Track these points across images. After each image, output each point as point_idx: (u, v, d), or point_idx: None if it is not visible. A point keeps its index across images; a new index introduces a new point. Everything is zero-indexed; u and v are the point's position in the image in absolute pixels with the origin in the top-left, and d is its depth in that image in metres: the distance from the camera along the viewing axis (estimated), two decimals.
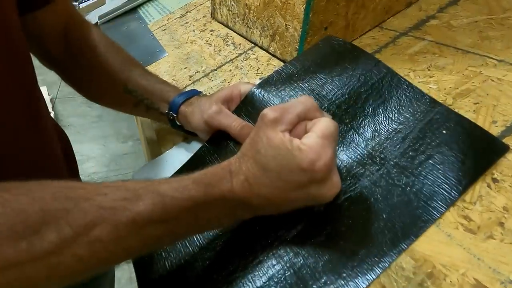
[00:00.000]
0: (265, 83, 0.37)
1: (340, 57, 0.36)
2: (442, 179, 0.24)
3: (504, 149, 0.25)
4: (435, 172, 0.25)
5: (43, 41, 0.38)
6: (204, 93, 0.41)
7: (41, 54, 0.39)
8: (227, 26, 0.67)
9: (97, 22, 1.04)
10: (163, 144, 0.45)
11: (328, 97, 0.33)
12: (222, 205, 0.23)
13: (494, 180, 0.24)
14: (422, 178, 0.25)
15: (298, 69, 0.37)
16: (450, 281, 0.20)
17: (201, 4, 0.88)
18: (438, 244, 0.22)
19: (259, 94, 0.36)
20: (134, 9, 1.10)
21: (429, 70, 0.36)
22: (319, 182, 0.22)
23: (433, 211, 0.23)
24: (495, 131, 0.27)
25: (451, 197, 0.24)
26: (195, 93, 0.39)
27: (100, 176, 1.79)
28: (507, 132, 0.27)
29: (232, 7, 0.61)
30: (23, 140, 0.30)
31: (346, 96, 0.33)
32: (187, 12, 0.87)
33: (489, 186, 0.24)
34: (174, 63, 0.63)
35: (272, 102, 0.35)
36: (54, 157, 0.35)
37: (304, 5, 0.40)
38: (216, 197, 0.22)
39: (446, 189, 0.24)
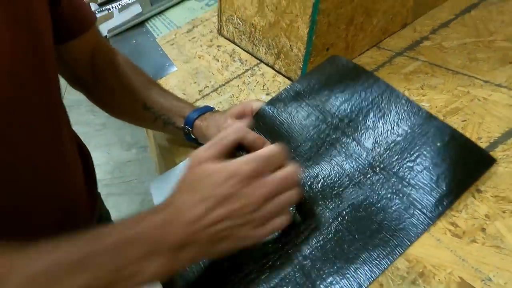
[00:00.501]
0: (275, 100, 0.40)
1: (343, 75, 0.39)
2: (436, 190, 0.28)
3: (491, 161, 0.29)
4: (430, 182, 0.28)
5: (72, 65, 0.42)
6: (216, 108, 0.45)
7: (69, 76, 0.43)
8: (233, 42, 0.71)
9: (106, 35, 1.09)
10: (177, 155, 0.48)
11: (331, 112, 0.37)
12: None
13: (478, 191, 0.27)
14: (418, 187, 0.28)
15: (304, 87, 0.40)
16: (439, 279, 0.24)
17: (207, 20, 0.92)
18: (429, 247, 0.25)
19: (269, 110, 0.39)
20: (142, 23, 1.14)
21: (422, 89, 0.40)
22: None
23: (426, 218, 0.27)
24: (481, 146, 0.30)
25: (443, 205, 0.27)
26: (209, 109, 0.42)
27: (105, 184, 1.82)
28: (490, 148, 0.30)
29: (239, 25, 0.65)
30: (46, 154, 0.33)
31: (348, 110, 0.36)
32: (193, 27, 0.91)
33: (473, 196, 0.27)
34: (183, 78, 0.66)
35: (281, 117, 0.39)
36: (74, 171, 0.39)
37: (308, 28, 0.44)
38: None
39: (439, 198, 0.27)
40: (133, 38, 1.03)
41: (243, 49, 0.66)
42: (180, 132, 0.42)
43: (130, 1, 1.32)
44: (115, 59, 0.45)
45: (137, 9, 1.21)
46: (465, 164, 0.28)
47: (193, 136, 0.42)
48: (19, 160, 0.30)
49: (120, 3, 1.31)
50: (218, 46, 0.73)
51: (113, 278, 0.22)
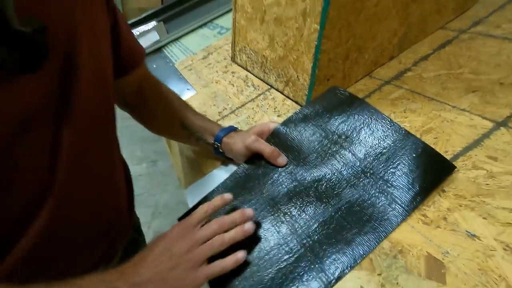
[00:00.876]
0: (287, 122, 0.50)
1: (342, 102, 0.49)
2: (412, 190, 0.37)
3: (453, 169, 0.38)
4: (407, 184, 0.37)
5: (122, 92, 0.51)
6: (239, 128, 0.54)
7: (119, 100, 0.53)
8: (246, 69, 0.82)
9: None
10: (204, 166, 0.57)
11: (331, 130, 0.47)
12: None
13: (443, 191, 0.37)
14: (398, 188, 0.37)
15: (311, 111, 0.50)
16: (412, 254, 0.32)
17: (220, 47, 1.03)
18: (406, 232, 0.34)
19: (283, 130, 0.49)
20: (159, 49, 1.27)
21: (404, 112, 0.50)
22: None
23: (404, 211, 0.36)
24: (446, 157, 0.40)
25: (417, 201, 0.36)
26: (233, 128, 0.52)
27: None
28: (454, 159, 0.40)
29: (251, 55, 0.76)
30: (102, 173, 0.41)
31: (345, 129, 0.46)
32: (208, 54, 1.02)
33: (439, 194, 0.36)
34: (204, 101, 0.77)
35: (292, 135, 0.48)
36: (121, 188, 0.47)
37: (312, 63, 0.54)
38: None
39: (414, 196, 0.36)
40: (153, 63, 1.14)
41: (255, 76, 0.77)
42: (210, 147, 0.52)
43: (147, 29, 1.45)
44: (157, 86, 0.55)
45: (154, 36, 1.34)
46: (433, 170, 0.38)
47: (221, 151, 0.51)
48: (79, 179, 0.36)
49: (138, 30, 1.43)
50: (232, 72, 0.84)
51: None
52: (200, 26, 1.31)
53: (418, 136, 0.44)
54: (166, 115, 0.54)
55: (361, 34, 0.54)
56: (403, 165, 0.39)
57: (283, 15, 0.58)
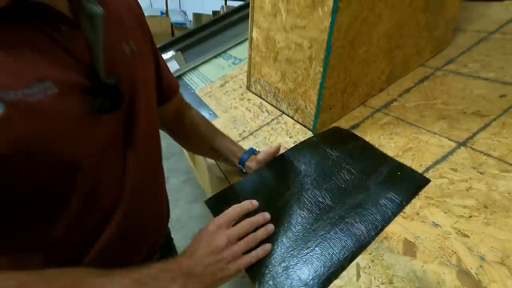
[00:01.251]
0: (295, 148, 0.64)
1: (340, 136, 0.63)
2: (398, 199, 0.50)
3: (427, 182, 0.51)
4: (393, 196, 0.50)
5: (163, 118, 0.62)
6: (255, 147, 0.68)
7: (160, 124, 0.66)
8: (260, 97, 0.96)
9: None
10: (230, 178, 0.71)
11: (331, 157, 0.60)
12: None
13: (418, 194, 0.50)
14: (386, 199, 0.50)
15: (316, 141, 0.64)
16: (393, 239, 0.45)
17: (235, 77, 1.19)
18: (390, 225, 0.47)
19: (290, 154, 0.63)
20: (179, 77, 1.43)
21: (390, 135, 0.63)
22: None
23: (392, 215, 0.48)
24: (420, 170, 0.53)
25: (402, 206, 0.49)
26: (253, 151, 0.64)
27: None
28: (426, 170, 0.53)
29: (265, 86, 0.91)
30: (152, 187, 0.51)
31: (343, 155, 0.60)
32: (225, 82, 1.18)
33: (414, 197, 0.49)
34: (225, 124, 0.91)
35: (298, 157, 0.62)
36: (165, 198, 0.58)
37: (317, 96, 0.68)
38: None
39: (400, 203, 0.49)
40: None
41: (268, 103, 0.92)
42: (235, 167, 0.65)
43: (167, 57, 1.62)
44: (191, 112, 0.68)
45: (174, 65, 1.50)
46: (412, 185, 0.51)
47: (244, 171, 0.64)
48: (139, 191, 0.44)
49: None
50: (248, 99, 0.99)
51: None
52: (215, 56, 1.47)
53: (401, 153, 0.58)
54: (198, 138, 0.66)
55: (356, 73, 0.69)
56: (389, 182, 0.52)
57: (293, 57, 0.73)
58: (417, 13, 0.71)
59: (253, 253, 0.46)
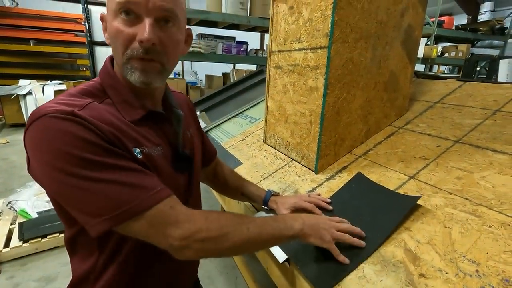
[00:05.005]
0: (335, 195, 0.94)
1: (362, 184, 0.93)
2: (395, 217, 0.77)
3: (415, 200, 0.79)
4: (391, 216, 0.77)
5: (205, 175, 0.92)
6: (273, 191, 0.96)
7: (204, 178, 0.94)
8: (274, 148, 1.29)
9: None
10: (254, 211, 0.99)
11: (345, 197, 0.90)
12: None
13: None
14: (386, 216, 0.77)
15: (353, 188, 0.94)
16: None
17: (253, 132, 1.53)
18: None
19: (335, 198, 0.93)
20: (206, 132, 1.78)
21: (368, 173, 0.93)
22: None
23: (391, 227, 0.75)
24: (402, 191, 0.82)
25: (398, 220, 0.76)
26: (270, 193, 0.91)
27: None
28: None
29: (278, 140, 1.24)
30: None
31: (359, 195, 0.89)
32: (245, 137, 1.52)
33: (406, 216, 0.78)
34: (249, 169, 1.22)
35: (343, 199, 0.91)
36: None
37: (316, 148, 1.00)
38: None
39: (397, 220, 0.76)
40: None
41: (281, 152, 1.23)
42: (260, 205, 0.94)
43: None
44: (224, 169, 0.96)
45: (201, 123, 1.87)
46: (402, 206, 0.79)
47: (267, 208, 0.92)
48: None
49: None
50: (265, 150, 1.31)
51: (282, 228, 0.61)
52: (235, 116, 1.84)
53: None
54: (231, 187, 0.94)
55: (342, 132, 1.02)
56: (388, 206, 0.79)
57: (298, 121, 1.07)
58: (380, 92, 1.07)
59: (347, 236, 0.67)
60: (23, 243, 1.90)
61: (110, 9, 0.54)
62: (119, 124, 0.54)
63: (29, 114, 0.46)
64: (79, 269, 0.61)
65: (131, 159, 0.53)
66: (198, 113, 2.06)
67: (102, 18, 0.59)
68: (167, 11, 0.53)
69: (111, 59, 0.62)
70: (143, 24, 0.52)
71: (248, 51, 4.28)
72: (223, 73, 4.83)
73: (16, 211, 2.20)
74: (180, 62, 4.83)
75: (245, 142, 1.47)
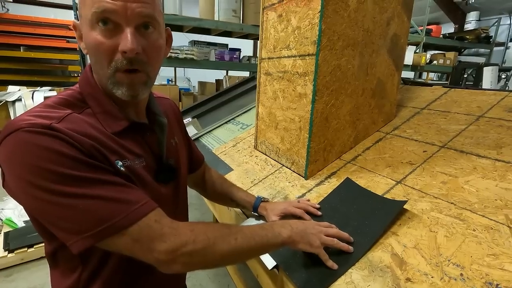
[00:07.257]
0: (323, 201, 0.94)
1: (350, 188, 0.93)
2: (383, 222, 0.77)
3: (401, 205, 0.80)
4: (378, 221, 0.78)
5: (193, 181, 0.92)
6: (264, 195, 0.96)
7: (192, 184, 0.94)
8: (265, 154, 1.29)
9: None
10: (243, 217, 0.99)
11: (343, 208, 0.90)
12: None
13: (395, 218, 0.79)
14: (374, 221, 0.78)
15: (343, 192, 0.94)
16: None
17: (244, 139, 1.53)
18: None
19: (323, 204, 0.93)
20: (197, 139, 1.78)
21: (356, 178, 0.94)
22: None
23: (381, 231, 0.76)
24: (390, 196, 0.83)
25: (386, 225, 0.77)
26: (260, 199, 0.91)
27: None
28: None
29: (269, 146, 1.25)
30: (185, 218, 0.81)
31: (348, 200, 0.90)
32: (236, 143, 1.52)
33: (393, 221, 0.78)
34: (240, 175, 1.22)
35: (323, 208, 0.92)
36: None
37: (306, 153, 1.01)
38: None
39: (384, 225, 0.77)
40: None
41: (271, 158, 1.24)
42: (249, 211, 0.93)
43: (186, 123, 1.98)
44: (212, 174, 0.96)
45: (192, 130, 1.86)
46: (390, 210, 0.80)
47: (257, 214, 0.92)
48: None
49: None
50: (256, 156, 1.31)
51: (270, 237, 0.59)
52: (226, 122, 1.85)
53: None
54: (219, 193, 0.94)
55: (331, 138, 1.03)
56: (375, 211, 0.80)
57: (288, 127, 1.08)
58: (368, 99, 1.09)
59: (336, 240, 0.67)
60: (8, 253, 1.85)
61: (85, 18, 0.51)
62: (100, 136, 0.52)
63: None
64: (61, 284, 0.58)
65: (114, 173, 0.51)
66: (189, 119, 2.05)
67: (75, 27, 0.56)
68: (146, 16, 0.52)
69: (91, 67, 0.58)
70: (124, 34, 0.50)
71: (241, 58, 4.31)
72: (216, 80, 4.84)
73: (1, 220, 2.15)
74: (173, 68, 4.82)
75: (236, 148, 1.47)
